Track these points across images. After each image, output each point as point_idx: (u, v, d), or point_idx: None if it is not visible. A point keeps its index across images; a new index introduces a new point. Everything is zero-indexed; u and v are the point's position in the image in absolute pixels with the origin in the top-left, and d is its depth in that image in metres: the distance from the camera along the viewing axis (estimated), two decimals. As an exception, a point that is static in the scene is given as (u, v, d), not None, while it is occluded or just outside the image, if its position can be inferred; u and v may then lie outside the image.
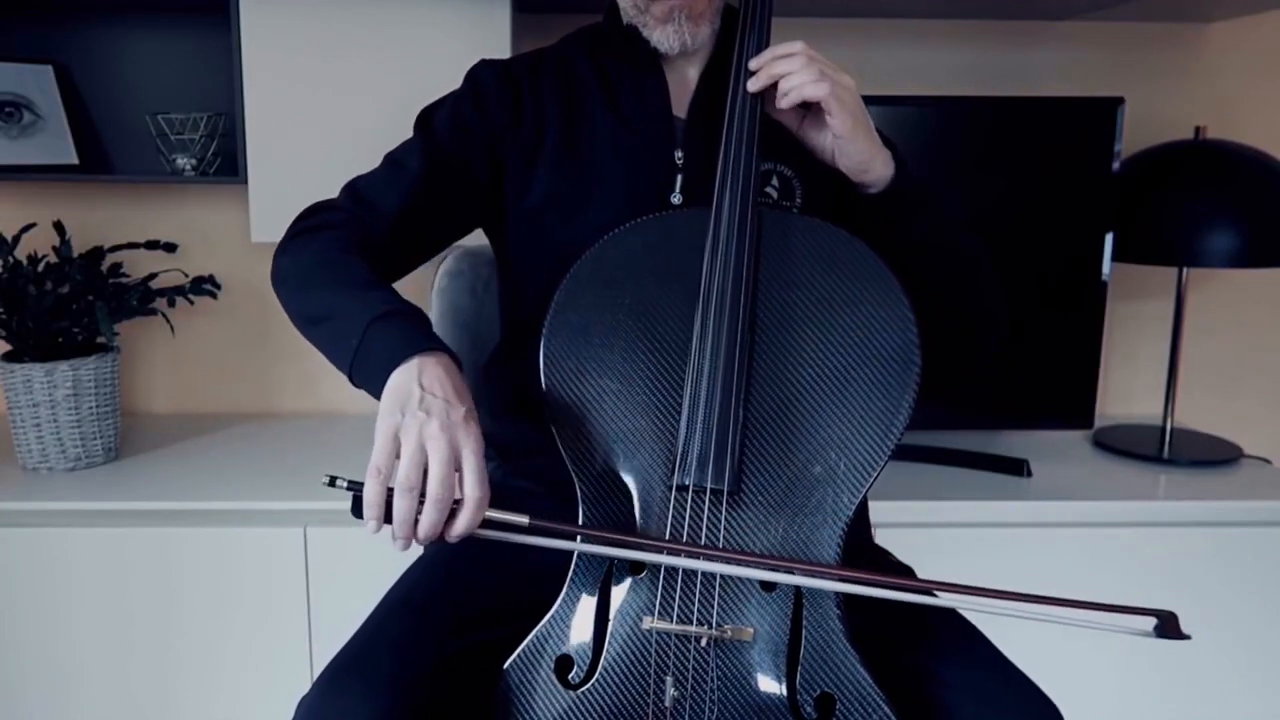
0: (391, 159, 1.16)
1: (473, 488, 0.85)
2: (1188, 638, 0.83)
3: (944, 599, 0.89)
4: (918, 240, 1.06)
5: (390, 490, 0.84)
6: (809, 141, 1.06)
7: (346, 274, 1.01)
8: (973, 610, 0.88)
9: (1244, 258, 1.69)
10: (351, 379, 0.96)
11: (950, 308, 1.08)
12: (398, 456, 0.86)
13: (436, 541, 0.87)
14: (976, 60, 1.95)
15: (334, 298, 0.99)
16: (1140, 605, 0.84)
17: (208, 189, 1.96)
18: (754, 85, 1.03)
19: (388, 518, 0.85)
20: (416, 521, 0.85)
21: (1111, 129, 1.70)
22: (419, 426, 0.85)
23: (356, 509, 0.85)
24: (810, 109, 1.04)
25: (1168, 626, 0.83)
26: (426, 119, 1.18)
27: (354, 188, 1.14)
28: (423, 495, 0.84)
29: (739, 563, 0.90)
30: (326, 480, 0.87)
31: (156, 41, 1.88)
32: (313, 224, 1.10)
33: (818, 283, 0.97)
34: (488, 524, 0.88)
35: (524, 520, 0.88)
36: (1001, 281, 1.14)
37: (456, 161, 1.14)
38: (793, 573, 0.89)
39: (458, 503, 0.86)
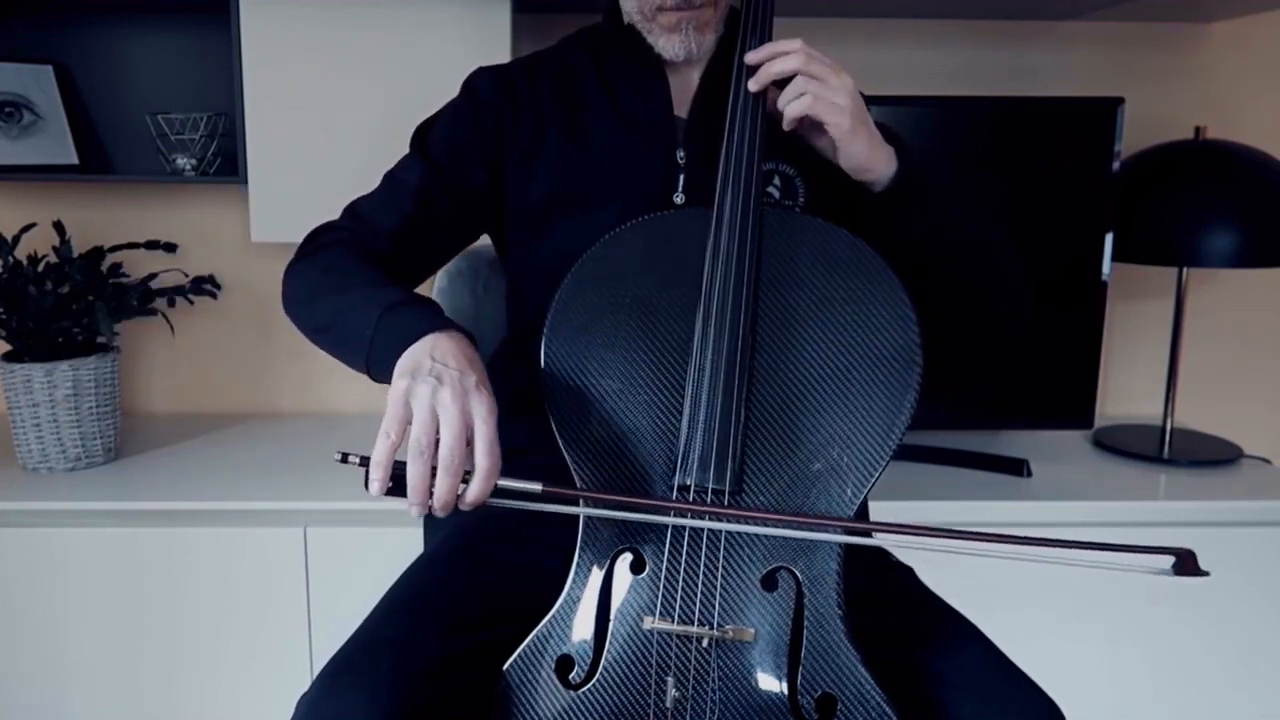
0: (389, 177, 1.17)
1: (483, 456, 0.85)
2: (1206, 574, 0.81)
3: (953, 544, 0.89)
4: (927, 232, 1.06)
5: (401, 460, 0.84)
6: (810, 140, 1.06)
7: (352, 278, 1.02)
8: (983, 555, 0.88)
9: (1244, 258, 1.69)
10: (370, 373, 0.95)
11: (967, 295, 1.09)
12: (410, 423, 0.85)
13: (453, 510, 0.86)
14: (976, 60, 1.95)
15: (341, 300, 1.00)
16: (1156, 548, 0.82)
17: (208, 189, 1.96)
18: (754, 85, 1.03)
19: (398, 488, 0.84)
20: (431, 490, 0.84)
21: (1111, 129, 1.70)
22: (430, 392, 0.85)
23: (369, 482, 0.85)
24: None
25: (1185, 564, 0.81)
26: (423, 134, 1.18)
27: (354, 207, 1.15)
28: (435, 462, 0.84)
29: (749, 520, 0.90)
30: (338, 457, 0.87)
31: (156, 41, 1.88)
32: (315, 245, 1.11)
33: (819, 282, 0.97)
34: (501, 493, 0.87)
35: (537, 488, 0.88)
36: (1019, 261, 1.14)
37: (452, 175, 1.15)
38: (799, 528, 0.90)
39: (470, 473, 0.85)
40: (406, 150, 1.19)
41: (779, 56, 1.02)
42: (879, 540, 0.92)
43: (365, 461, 0.85)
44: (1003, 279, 1.13)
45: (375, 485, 0.84)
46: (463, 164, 1.15)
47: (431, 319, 0.93)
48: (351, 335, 0.96)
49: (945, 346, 1.02)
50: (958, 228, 1.09)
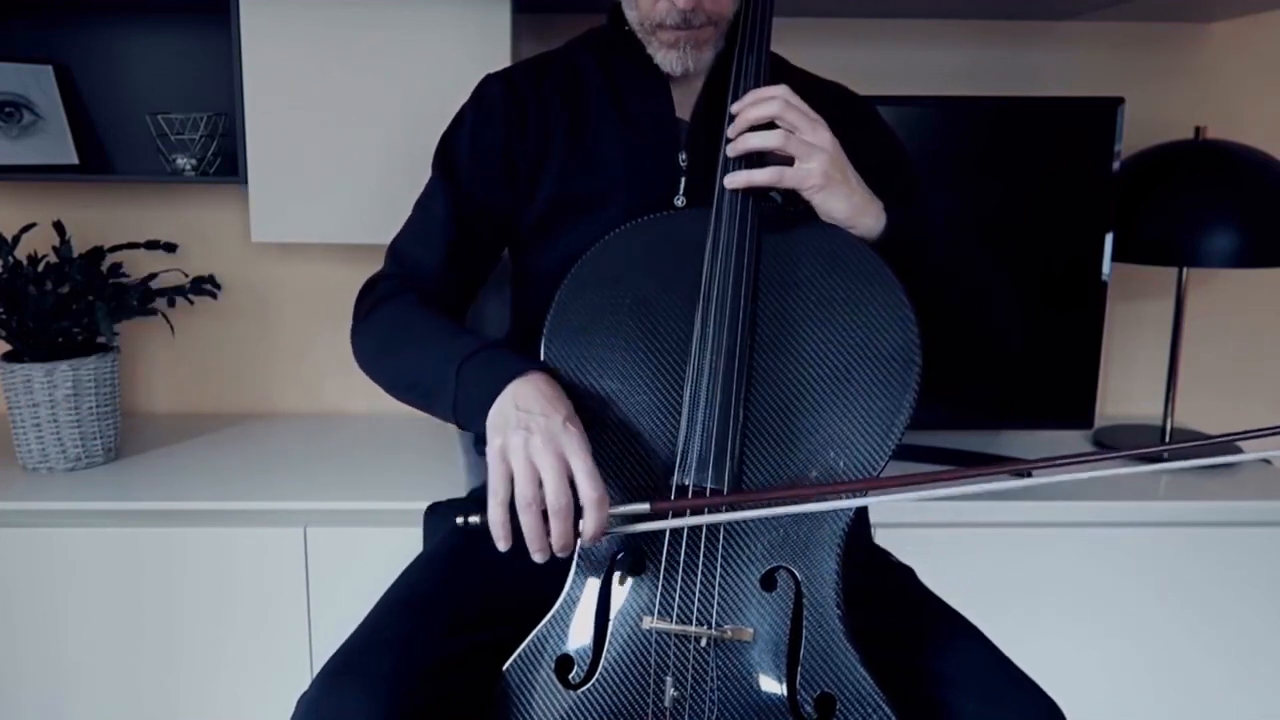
0: (421, 206, 1.18)
1: (588, 489, 0.86)
2: None
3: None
4: (923, 277, 1.02)
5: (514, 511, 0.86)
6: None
7: (419, 330, 1.04)
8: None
9: (1244, 258, 1.69)
10: (462, 426, 0.98)
11: (962, 333, 1.08)
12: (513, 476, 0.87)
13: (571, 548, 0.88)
14: (976, 60, 1.95)
15: (416, 357, 1.02)
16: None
17: (208, 189, 1.96)
18: (732, 151, 1.02)
19: (520, 540, 0.86)
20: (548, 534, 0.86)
21: (1111, 129, 1.70)
22: (523, 443, 0.86)
23: (489, 537, 0.87)
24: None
25: None
26: (445, 156, 1.18)
27: (395, 250, 1.17)
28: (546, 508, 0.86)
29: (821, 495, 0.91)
30: (460, 521, 0.89)
31: (156, 41, 1.88)
32: (371, 299, 1.12)
33: (819, 283, 0.97)
34: (613, 519, 0.89)
35: (645, 507, 0.89)
36: (1014, 303, 1.14)
37: (480, 194, 1.16)
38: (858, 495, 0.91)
39: (580, 508, 0.86)
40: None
41: (760, 102, 1.01)
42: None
43: (484, 522, 0.87)
44: (1000, 325, 1.13)
45: (501, 545, 0.87)
46: (487, 181, 1.16)
47: (505, 369, 0.94)
48: (435, 395, 0.99)
49: (941, 365, 1.02)
50: (957, 278, 1.08)
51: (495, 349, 0.98)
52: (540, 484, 0.86)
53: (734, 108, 1.04)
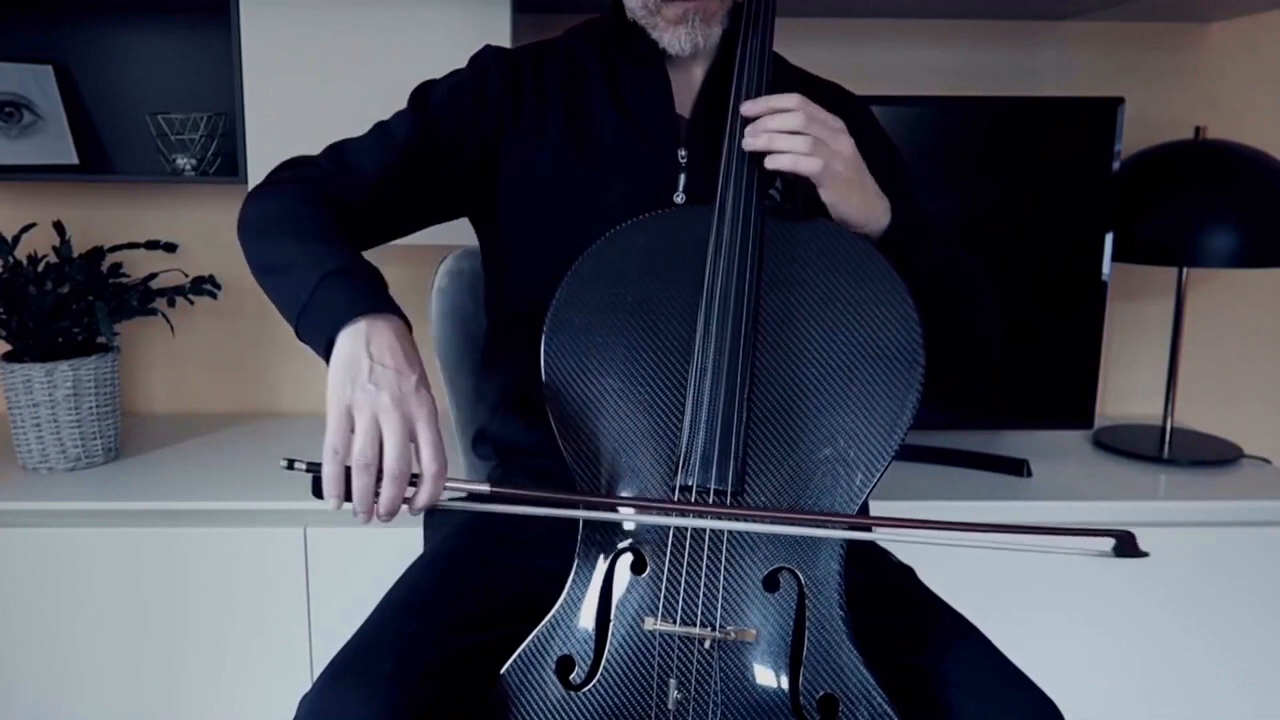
0: (380, 125, 1.14)
1: (429, 460, 0.84)
2: (1145, 554, 0.84)
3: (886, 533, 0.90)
4: (916, 276, 1.02)
5: (349, 468, 0.84)
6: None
7: (308, 225, 0.99)
8: (922, 543, 0.90)
9: (1244, 258, 1.69)
10: (298, 334, 0.94)
11: (947, 334, 1.08)
12: (353, 431, 0.84)
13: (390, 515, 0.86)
14: (976, 60, 1.95)
15: (291, 248, 0.97)
16: (1098, 530, 0.86)
17: (208, 189, 1.96)
18: (749, 145, 1.01)
19: (349, 495, 0.84)
20: (377, 496, 0.84)
21: (1111, 129, 1.70)
22: (370, 401, 0.84)
23: (317, 489, 0.84)
24: None
25: (1126, 546, 0.84)
26: (423, 93, 1.16)
27: (338, 148, 1.12)
28: (381, 470, 0.84)
29: (742, 518, 0.91)
30: (285, 463, 0.87)
31: (156, 41, 1.88)
32: (286, 176, 1.08)
33: (821, 281, 0.97)
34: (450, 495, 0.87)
35: (485, 489, 0.88)
36: (998, 308, 1.14)
37: (446, 138, 1.12)
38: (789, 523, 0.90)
39: (416, 476, 0.85)
40: None
41: (777, 113, 1.00)
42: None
43: (312, 467, 0.85)
44: (983, 330, 1.13)
45: (332, 502, 0.84)
46: (457, 132, 1.12)
47: (366, 299, 0.91)
48: (290, 289, 0.94)
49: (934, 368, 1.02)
50: (948, 280, 1.08)
51: (360, 274, 0.93)
52: (381, 445, 0.83)
53: (747, 109, 1.02)
